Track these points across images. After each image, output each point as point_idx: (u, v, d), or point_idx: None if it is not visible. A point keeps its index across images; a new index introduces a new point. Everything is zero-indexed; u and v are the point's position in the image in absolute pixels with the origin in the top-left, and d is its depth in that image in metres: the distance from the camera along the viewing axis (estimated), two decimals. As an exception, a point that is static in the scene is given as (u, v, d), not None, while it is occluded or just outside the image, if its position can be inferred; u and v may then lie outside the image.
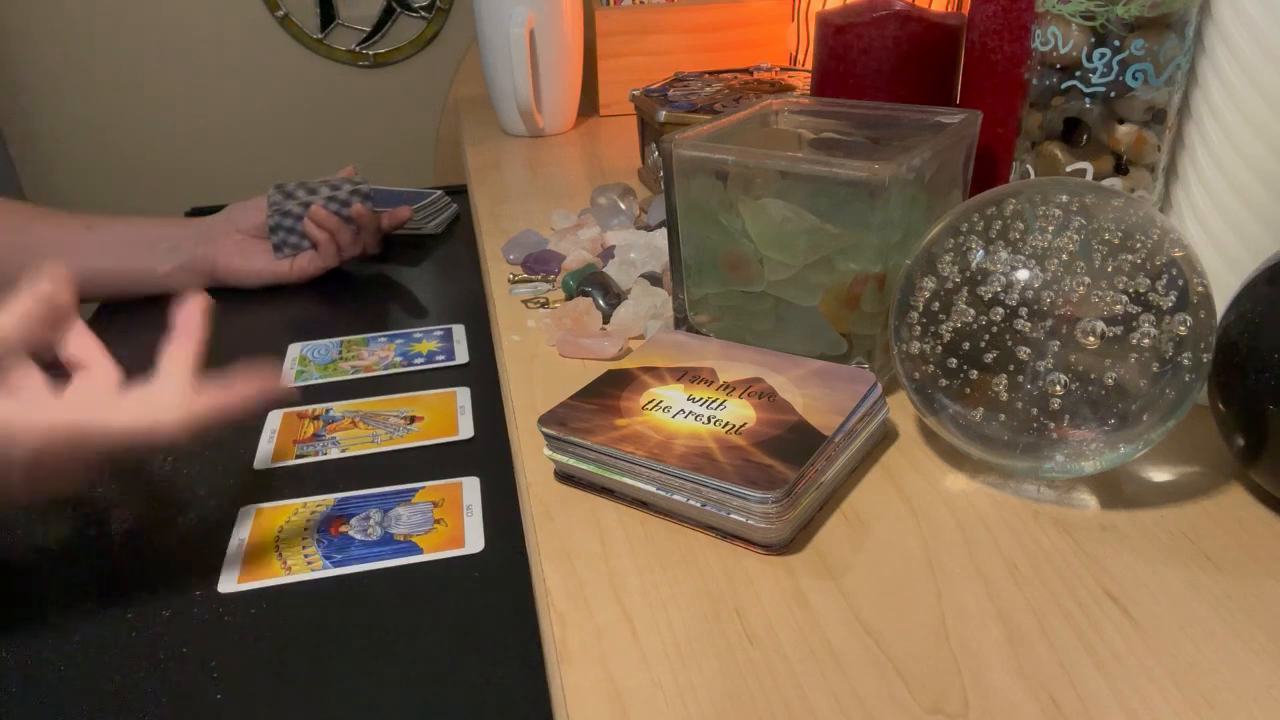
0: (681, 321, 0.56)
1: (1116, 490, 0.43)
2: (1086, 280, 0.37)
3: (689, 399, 0.45)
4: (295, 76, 1.49)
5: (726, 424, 0.43)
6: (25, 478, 0.43)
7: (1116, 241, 0.38)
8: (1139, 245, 0.38)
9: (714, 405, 0.45)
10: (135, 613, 0.48)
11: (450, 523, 0.54)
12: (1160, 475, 0.44)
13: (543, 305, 0.64)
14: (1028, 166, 0.49)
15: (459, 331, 0.78)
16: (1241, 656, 0.33)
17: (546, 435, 0.45)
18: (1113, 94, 0.45)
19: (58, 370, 0.47)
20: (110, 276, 0.86)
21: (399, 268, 0.94)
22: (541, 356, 0.57)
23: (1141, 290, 0.37)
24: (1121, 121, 0.45)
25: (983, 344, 0.39)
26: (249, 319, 0.84)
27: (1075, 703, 0.31)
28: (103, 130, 1.46)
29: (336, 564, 0.51)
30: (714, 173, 0.51)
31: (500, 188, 0.91)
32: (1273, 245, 0.43)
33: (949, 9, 0.89)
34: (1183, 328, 0.37)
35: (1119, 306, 0.37)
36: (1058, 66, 0.45)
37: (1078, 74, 0.45)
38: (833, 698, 0.32)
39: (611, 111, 1.13)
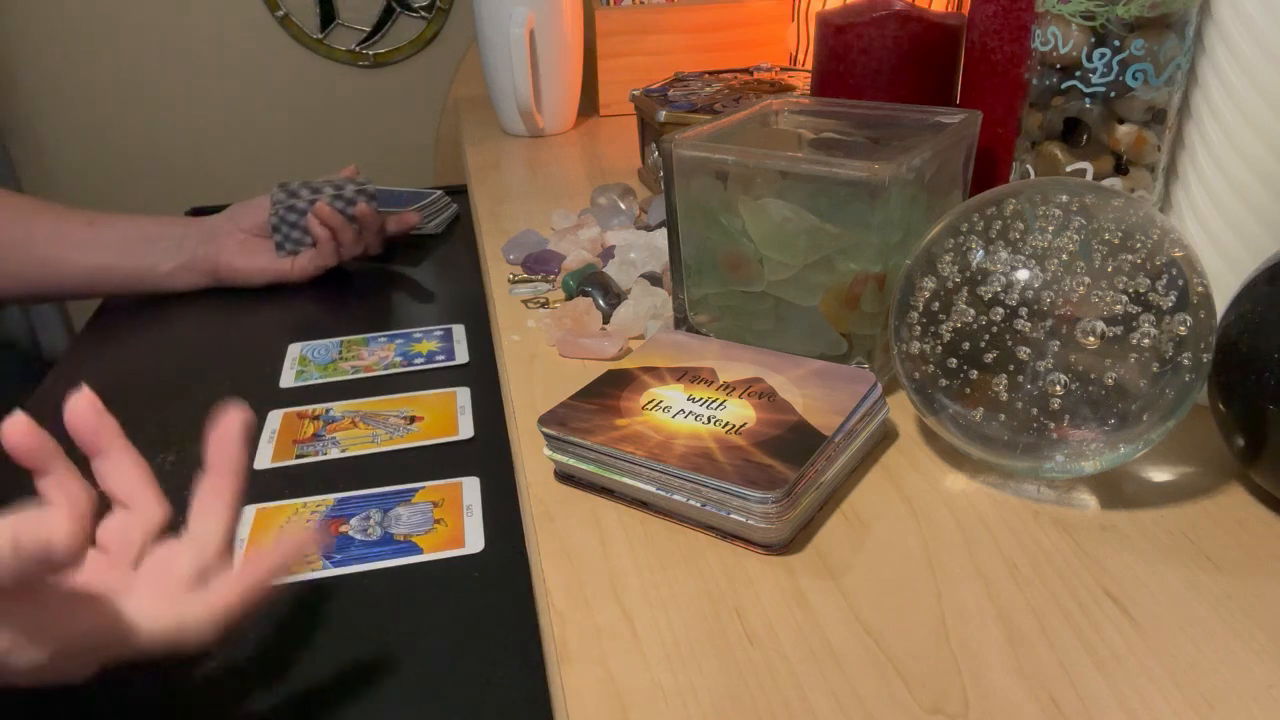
0: (681, 321, 0.56)
1: (1116, 490, 0.43)
2: (1086, 280, 0.37)
3: (689, 399, 0.45)
4: (295, 76, 1.49)
5: (726, 424, 0.43)
6: (30, 677, 0.35)
7: (1116, 241, 0.38)
8: (1139, 245, 0.38)
9: (714, 405, 0.45)
10: (135, 613, 0.48)
11: (450, 523, 0.54)
12: (1160, 475, 0.44)
13: (543, 305, 0.64)
14: (1028, 166, 0.49)
15: (459, 331, 0.78)
16: (1241, 656, 0.33)
17: (546, 435, 0.45)
18: (1113, 94, 0.45)
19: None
20: (112, 273, 0.86)
21: (399, 268, 0.94)
22: (541, 356, 0.57)
23: (1141, 290, 0.37)
24: (1121, 121, 0.45)
25: (983, 344, 0.39)
26: (249, 319, 0.85)
27: (1075, 703, 0.31)
28: (102, 130, 1.46)
29: (336, 564, 0.51)
30: (714, 173, 0.51)
31: (500, 188, 0.91)
32: (1273, 245, 0.43)
33: (949, 9, 0.89)
34: (1183, 328, 0.37)
35: (1119, 306, 0.37)
36: (1058, 66, 0.45)
37: (1078, 74, 0.45)
38: (833, 698, 0.32)
39: (611, 111, 1.13)
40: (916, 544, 0.39)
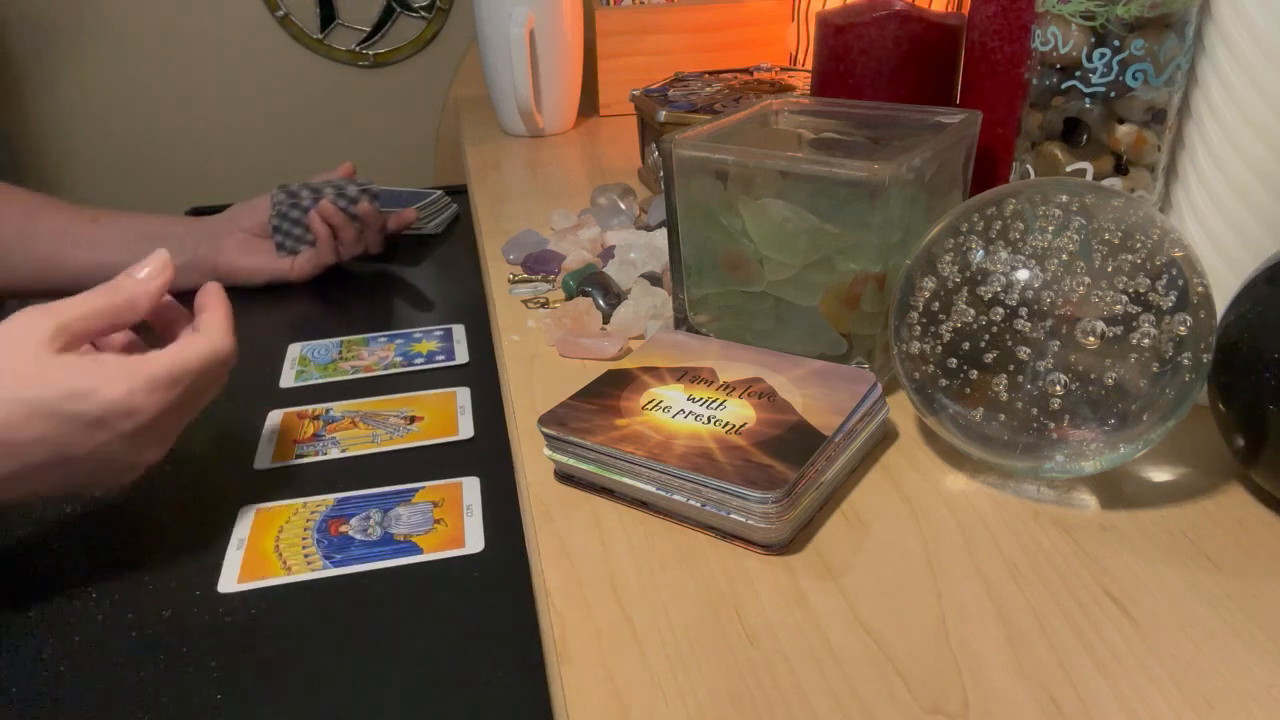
0: (681, 321, 0.56)
1: (1116, 490, 0.43)
2: (1086, 280, 0.37)
3: (689, 399, 0.45)
4: (295, 76, 1.49)
5: (726, 424, 0.43)
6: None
7: (1116, 241, 0.38)
8: (1139, 245, 0.38)
9: (714, 405, 0.45)
10: (135, 613, 0.48)
11: (450, 523, 0.54)
12: (1160, 475, 0.44)
13: (543, 305, 0.64)
14: (1028, 166, 0.49)
15: (459, 331, 0.78)
16: (1241, 656, 0.33)
17: (546, 435, 0.45)
18: (1113, 94, 0.45)
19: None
20: (114, 270, 0.86)
21: (399, 268, 0.94)
22: (541, 356, 0.57)
23: (1141, 290, 0.37)
24: (1121, 121, 0.45)
25: (983, 344, 0.39)
26: (249, 319, 0.84)
27: (1075, 703, 0.31)
28: (102, 130, 1.46)
29: (336, 564, 0.51)
30: (714, 173, 0.51)
31: (500, 188, 0.91)
32: (1273, 245, 0.43)
33: (949, 9, 0.89)
34: (1183, 328, 0.37)
35: (1119, 306, 0.37)
36: (1058, 66, 0.45)
37: (1078, 74, 0.45)
38: (833, 698, 0.32)
39: (611, 111, 1.13)
40: (916, 544, 0.39)
